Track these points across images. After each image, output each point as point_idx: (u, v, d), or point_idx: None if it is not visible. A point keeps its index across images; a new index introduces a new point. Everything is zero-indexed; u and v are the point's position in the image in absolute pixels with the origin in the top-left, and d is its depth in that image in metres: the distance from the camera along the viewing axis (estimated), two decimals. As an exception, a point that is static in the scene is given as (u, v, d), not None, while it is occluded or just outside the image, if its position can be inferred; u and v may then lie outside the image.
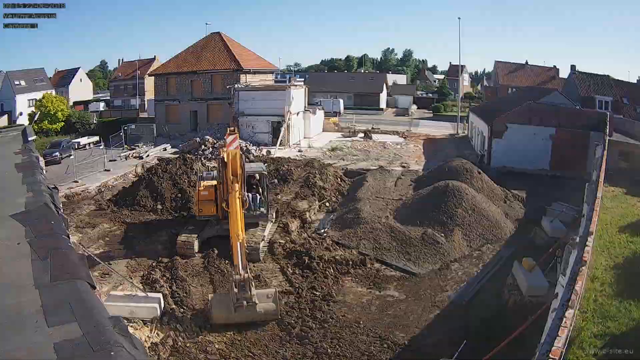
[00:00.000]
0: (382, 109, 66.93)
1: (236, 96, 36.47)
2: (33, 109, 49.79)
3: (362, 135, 40.51)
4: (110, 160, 30.19)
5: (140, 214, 20.62)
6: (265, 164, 22.44)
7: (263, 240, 17.12)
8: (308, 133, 39.69)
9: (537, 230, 18.44)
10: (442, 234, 17.88)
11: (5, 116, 53.45)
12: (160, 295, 12.90)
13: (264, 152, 31.99)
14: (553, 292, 10.82)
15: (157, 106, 42.71)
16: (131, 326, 11.01)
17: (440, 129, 47.86)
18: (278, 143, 33.98)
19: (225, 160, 14.23)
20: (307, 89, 43.31)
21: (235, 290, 12.11)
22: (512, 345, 10.35)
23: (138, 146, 34.81)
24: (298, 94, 39.01)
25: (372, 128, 43.56)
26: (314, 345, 11.70)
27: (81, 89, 73.09)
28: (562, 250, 13.43)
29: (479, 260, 16.94)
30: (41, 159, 12.43)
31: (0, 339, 4.29)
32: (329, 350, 11.50)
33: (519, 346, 10.48)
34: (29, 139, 13.27)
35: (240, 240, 12.67)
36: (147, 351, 10.35)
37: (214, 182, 17.43)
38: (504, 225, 19.20)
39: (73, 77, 74.09)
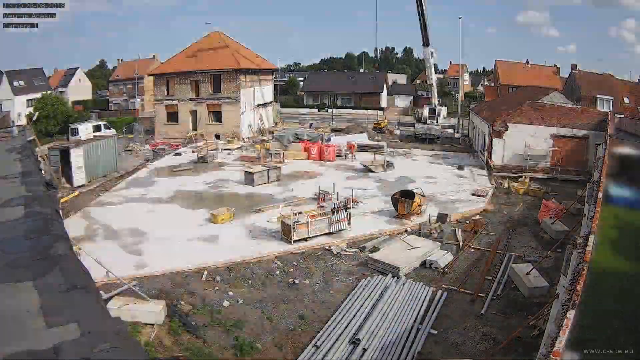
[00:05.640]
0: (382, 109, 66.69)
1: None
2: (32, 109, 49.53)
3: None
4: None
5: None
6: None
7: None
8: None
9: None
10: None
11: None
12: (163, 301, 12.68)
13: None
14: (554, 292, 10.78)
15: (156, 106, 42.55)
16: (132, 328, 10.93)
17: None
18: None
19: None
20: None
21: None
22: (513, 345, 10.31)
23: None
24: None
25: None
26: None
27: (80, 89, 72.80)
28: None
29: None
30: (40, 159, 12.38)
31: (1, 339, 4.26)
32: None
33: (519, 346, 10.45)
34: (28, 139, 13.24)
35: None
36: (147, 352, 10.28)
37: None
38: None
39: (72, 77, 73.86)
